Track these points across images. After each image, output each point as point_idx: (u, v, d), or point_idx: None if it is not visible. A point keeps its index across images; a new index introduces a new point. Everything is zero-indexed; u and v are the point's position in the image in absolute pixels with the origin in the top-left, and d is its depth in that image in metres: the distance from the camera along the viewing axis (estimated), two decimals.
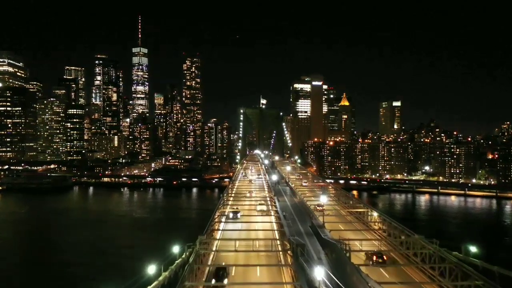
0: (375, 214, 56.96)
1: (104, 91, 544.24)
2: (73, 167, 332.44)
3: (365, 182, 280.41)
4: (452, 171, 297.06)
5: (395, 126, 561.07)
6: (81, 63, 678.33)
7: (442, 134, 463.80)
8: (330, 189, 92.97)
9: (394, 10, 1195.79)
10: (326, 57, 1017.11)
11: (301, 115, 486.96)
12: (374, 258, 38.01)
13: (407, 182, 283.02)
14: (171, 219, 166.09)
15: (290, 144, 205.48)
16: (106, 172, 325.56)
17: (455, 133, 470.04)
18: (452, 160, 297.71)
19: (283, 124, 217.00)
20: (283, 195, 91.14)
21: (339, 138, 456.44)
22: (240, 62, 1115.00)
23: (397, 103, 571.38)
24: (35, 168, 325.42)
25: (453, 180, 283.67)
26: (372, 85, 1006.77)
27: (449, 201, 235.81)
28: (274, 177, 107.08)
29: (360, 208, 63.47)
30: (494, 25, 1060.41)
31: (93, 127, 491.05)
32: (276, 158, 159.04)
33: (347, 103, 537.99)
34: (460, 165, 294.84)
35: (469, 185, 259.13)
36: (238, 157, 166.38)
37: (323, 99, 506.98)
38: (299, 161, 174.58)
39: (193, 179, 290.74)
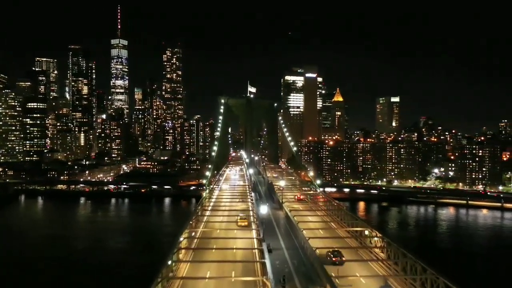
0: None
1: (73, 83, 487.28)
2: (22, 170, 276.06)
3: (375, 191, 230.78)
4: (474, 176, 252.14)
5: (394, 124, 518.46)
6: (56, 55, 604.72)
7: (446, 133, 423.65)
8: None
9: (391, 5, 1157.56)
10: (317, 50, 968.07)
11: (293, 111, 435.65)
12: None
13: (428, 191, 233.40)
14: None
15: (295, 149, 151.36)
16: (63, 177, 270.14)
17: (453, 131, 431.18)
18: (474, 164, 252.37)
19: (280, 119, 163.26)
20: None
21: (335, 136, 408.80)
22: (227, 54, 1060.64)
23: (395, 99, 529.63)
24: None
25: (480, 187, 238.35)
26: (363, 81, 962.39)
27: (484, 216, 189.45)
28: None
29: None
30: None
31: (58, 124, 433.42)
32: (281, 183, 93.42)
33: (341, 99, 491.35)
34: (484, 169, 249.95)
35: (502, 195, 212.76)
36: (208, 172, 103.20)
37: (318, 93, 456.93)
38: (318, 182, 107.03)
39: (166, 187, 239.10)
